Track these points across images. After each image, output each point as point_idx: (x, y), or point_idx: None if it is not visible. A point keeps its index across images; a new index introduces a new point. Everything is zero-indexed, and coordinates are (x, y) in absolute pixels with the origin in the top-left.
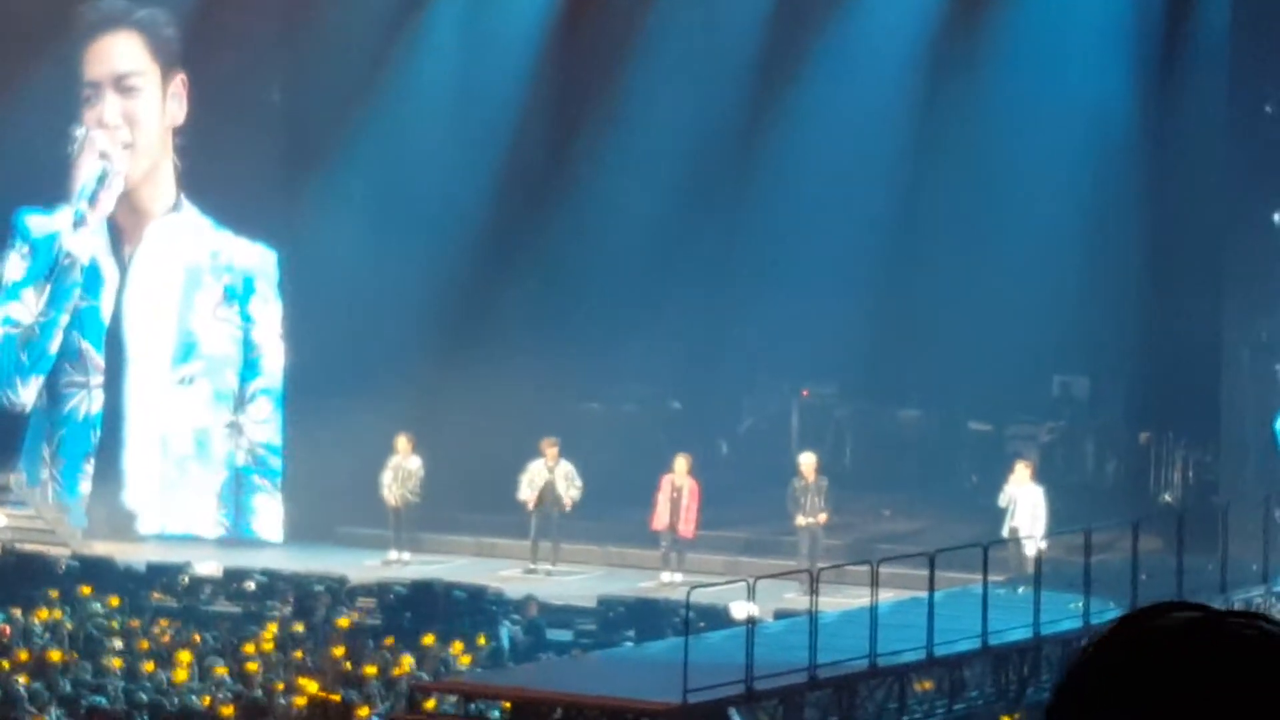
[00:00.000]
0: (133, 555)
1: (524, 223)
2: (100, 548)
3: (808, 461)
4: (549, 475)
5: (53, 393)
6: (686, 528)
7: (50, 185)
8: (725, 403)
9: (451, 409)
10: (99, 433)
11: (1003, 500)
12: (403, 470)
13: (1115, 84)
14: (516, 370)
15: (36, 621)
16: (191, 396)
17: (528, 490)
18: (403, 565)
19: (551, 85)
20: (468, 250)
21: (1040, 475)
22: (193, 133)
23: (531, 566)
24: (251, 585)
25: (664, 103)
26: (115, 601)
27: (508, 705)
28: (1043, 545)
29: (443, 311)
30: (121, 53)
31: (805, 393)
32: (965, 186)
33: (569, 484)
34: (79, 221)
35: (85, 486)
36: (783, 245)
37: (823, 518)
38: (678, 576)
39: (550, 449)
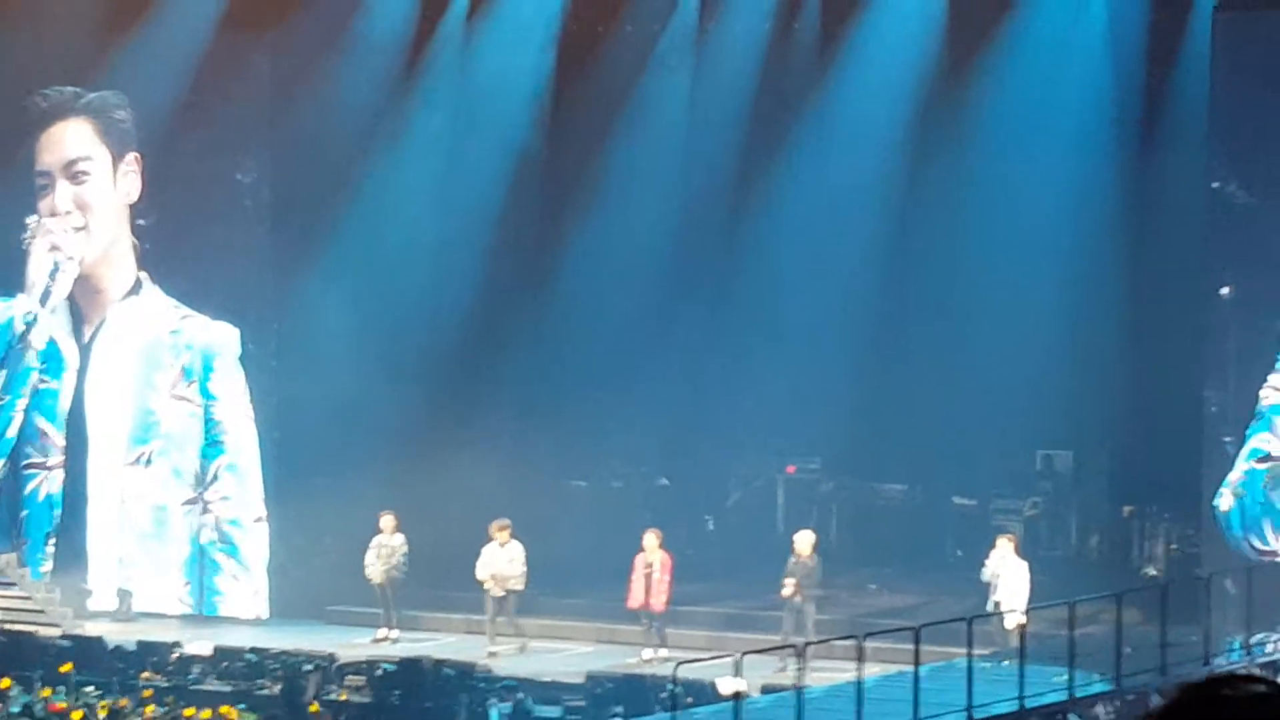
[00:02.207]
0: (123, 635)
1: (510, 300)
2: (91, 627)
3: (802, 539)
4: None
5: (14, 474)
6: (658, 601)
7: (5, 273)
8: (711, 479)
9: (441, 488)
10: (60, 512)
11: (986, 574)
12: (386, 548)
13: (1096, 162)
14: (504, 449)
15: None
16: (150, 476)
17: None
18: (392, 643)
19: (537, 167)
20: (454, 326)
21: (1024, 549)
22: (154, 213)
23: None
24: (242, 664)
25: (647, 186)
26: (67, 668)
27: None
28: (1026, 619)
29: (430, 390)
30: (71, 139)
31: (791, 469)
32: (948, 263)
33: (513, 565)
34: (31, 323)
35: (47, 567)
36: (767, 322)
37: (789, 585)
38: (662, 652)
39: (500, 531)
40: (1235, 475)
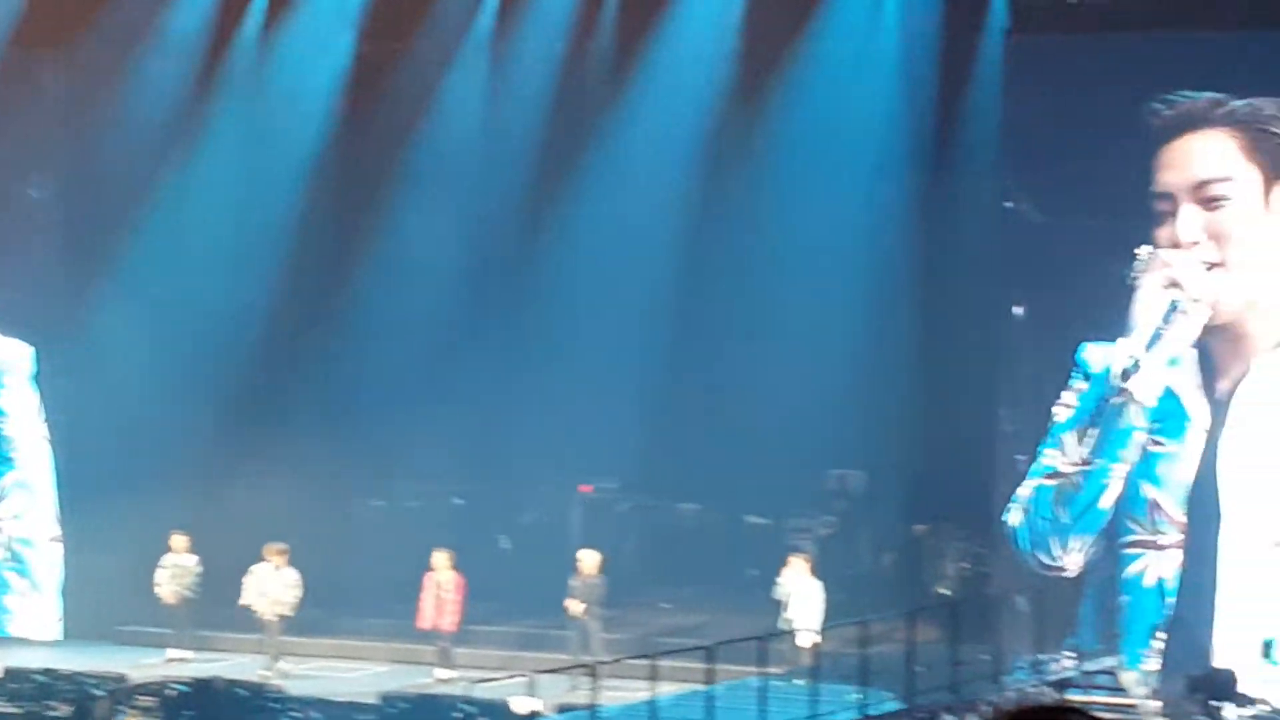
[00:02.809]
0: None
1: (306, 318)
2: None
3: (586, 558)
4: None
5: None
6: (448, 621)
7: None
8: (507, 498)
9: (235, 506)
10: None
11: (779, 593)
12: (178, 568)
13: (889, 181)
14: (300, 467)
15: None
16: None
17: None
18: (184, 664)
19: (333, 182)
20: (250, 343)
21: (817, 568)
22: None
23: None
24: (32, 685)
25: (443, 202)
26: None
27: None
28: (819, 638)
29: (226, 407)
30: None
31: (586, 488)
32: (742, 282)
33: (288, 590)
34: None
35: None
36: (564, 341)
37: (574, 604)
38: (455, 672)
39: (278, 555)
40: (1025, 491)
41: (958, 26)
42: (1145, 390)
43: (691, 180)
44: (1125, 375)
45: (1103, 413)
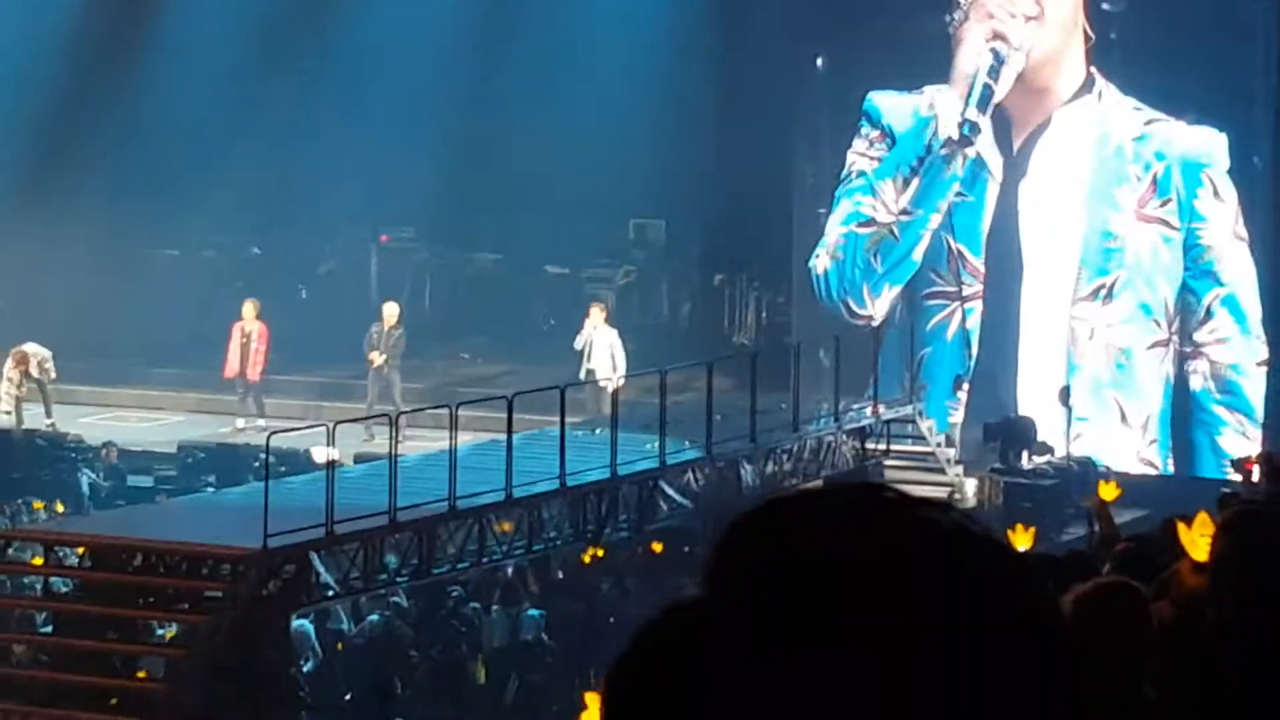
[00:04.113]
0: None
1: (99, 67)
2: None
3: (387, 310)
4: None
5: None
6: (254, 371)
7: None
8: (305, 248)
9: (27, 254)
10: None
11: (579, 343)
12: None
13: None
14: (92, 216)
15: None
16: None
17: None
18: None
19: None
20: (42, 92)
21: (616, 318)
22: None
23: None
24: None
25: None
26: None
27: (82, 551)
28: (620, 385)
29: (14, 157)
30: None
31: (384, 238)
32: (540, 34)
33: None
34: None
35: None
36: (359, 90)
37: (375, 355)
38: (259, 422)
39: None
40: (832, 238)
41: None
42: (974, 143)
43: None
44: (961, 127)
45: (926, 164)
